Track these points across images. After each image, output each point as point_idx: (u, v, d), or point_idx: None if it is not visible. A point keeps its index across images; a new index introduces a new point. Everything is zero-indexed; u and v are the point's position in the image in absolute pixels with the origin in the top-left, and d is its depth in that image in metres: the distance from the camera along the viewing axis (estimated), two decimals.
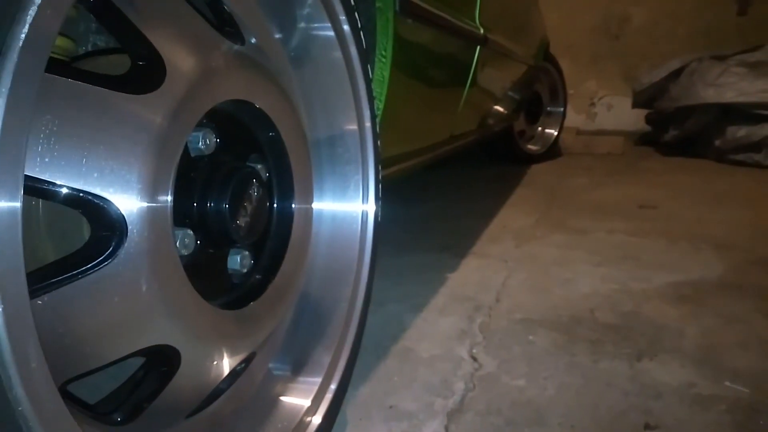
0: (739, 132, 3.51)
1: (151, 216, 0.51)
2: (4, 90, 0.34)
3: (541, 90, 3.78)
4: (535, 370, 1.10)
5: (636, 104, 4.51)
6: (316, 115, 0.88)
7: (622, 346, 1.19)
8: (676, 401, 0.99)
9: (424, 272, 1.69)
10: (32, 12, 0.36)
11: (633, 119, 4.99)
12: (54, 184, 0.45)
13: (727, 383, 1.04)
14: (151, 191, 0.51)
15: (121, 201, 0.49)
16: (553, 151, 3.94)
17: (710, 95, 3.58)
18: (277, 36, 0.79)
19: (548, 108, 3.91)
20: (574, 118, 5.04)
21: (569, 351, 1.18)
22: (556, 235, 2.07)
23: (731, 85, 3.51)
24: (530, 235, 2.08)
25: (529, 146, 3.79)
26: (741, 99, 3.45)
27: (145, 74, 0.53)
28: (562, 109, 3.96)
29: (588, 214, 2.39)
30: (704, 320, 1.32)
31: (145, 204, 0.50)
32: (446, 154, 1.88)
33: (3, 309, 0.34)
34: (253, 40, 0.70)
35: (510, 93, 2.75)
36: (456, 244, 1.96)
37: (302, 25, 0.80)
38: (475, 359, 1.15)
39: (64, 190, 0.46)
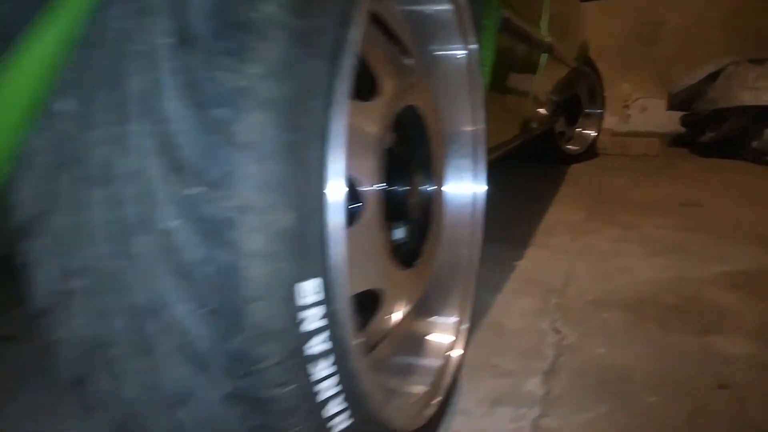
0: None
1: (373, 195, 0.67)
2: (344, 102, 0.51)
3: (580, 92, 3.91)
4: (613, 342, 1.25)
5: (671, 106, 4.62)
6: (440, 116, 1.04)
7: (688, 323, 1.34)
8: (744, 367, 1.13)
9: (492, 260, 1.83)
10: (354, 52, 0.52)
11: (666, 121, 5.08)
12: None
13: None
14: (372, 177, 0.67)
15: (359, 184, 0.66)
16: (590, 151, 4.06)
17: (748, 98, 3.68)
18: (420, 50, 0.96)
19: (586, 110, 4.04)
20: (607, 120, 5.13)
21: (641, 326, 1.33)
22: (607, 230, 2.21)
23: None
24: (583, 229, 2.22)
25: (569, 147, 3.92)
26: None
27: (366, 86, 0.70)
28: (600, 110, 4.08)
29: (634, 210, 2.52)
30: (760, 304, 1.46)
31: (372, 188, 0.67)
32: (508, 152, 2.04)
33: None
34: (412, 55, 0.87)
35: (556, 95, 2.89)
36: (515, 237, 2.11)
37: (438, 42, 0.97)
38: (557, 332, 1.31)
39: None
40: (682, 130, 4.75)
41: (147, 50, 0.43)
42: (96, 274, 0.47)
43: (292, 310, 0.47)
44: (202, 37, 0.42)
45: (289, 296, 0.46)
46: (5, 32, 0.35)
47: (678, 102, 4.48)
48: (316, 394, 0.50)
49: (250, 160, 0.43)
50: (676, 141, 4.85)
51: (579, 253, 1.91)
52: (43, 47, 0.38)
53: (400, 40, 0.83)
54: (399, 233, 0.84)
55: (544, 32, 1.82)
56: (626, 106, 5.47)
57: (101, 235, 0.46)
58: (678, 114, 4.67)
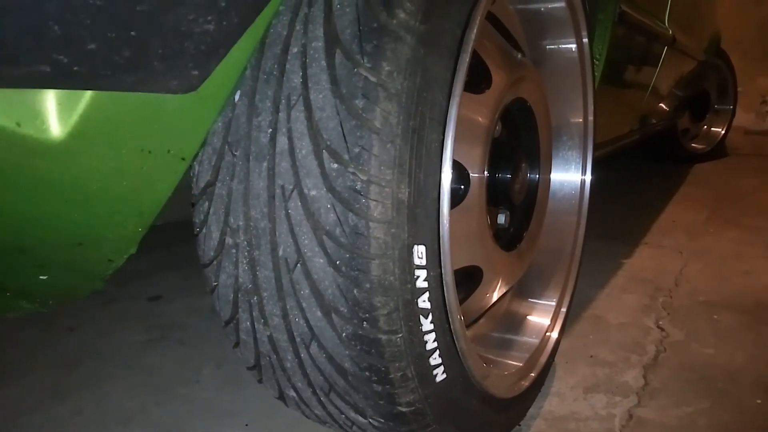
0: None
1: (478, 180, 0.74)
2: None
3: (709, 87, 3.65)
4: (722, 342, 1.22)
5: None
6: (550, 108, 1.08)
7: None
8: None
9: (599, 257, 1.82)
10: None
11: None
12: None
13: None
14: (480, 165, 0.74)
15: (467, 169, 0.73)
16: (718, 150, 3.78)
17: None
18: (531, 44, 1.00)
19: (716, 106, 3.76)
20: (741, 117, 4.72)
21: (755, 330, 1.28)
22: (730, 232, 2.09)
23: None
24: (702, 230, 2.12)
25: (693, 145, 3.68)
26: None
27: (479, 80, 0.77)
28: (731, 107, 3.79)
29: (762, 213, 2.35)
30: None
31: (477, 175, 0.74)
32: (621, 148, 1.99)
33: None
34: (523, 50, 0.92)
35: (679, 90, 2.74)
36: (625, 234, 2.07)
37: (550, 37, 1.01)
38: (662, 329, 1.29)
39: None
40: None
41: (302, 52, 0.54)
42: (251, 232, 0.59)
43: (406, 269, 0.55)
44: (346, 41, 0.52)
45: (404, 257, 0.55)
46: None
47: None
48: (422, 344, 0.59)
49: (378, 142, 0.52)
50: None
51: (695, 254, 1.83)
52: (238, 52, 0.49)
53: (512, 36, 0.89)
54: (503, 218, 0.90)
55: (667, 24, 1.76)
56: (764, 103, 4.99)
57: (258, 200, 0.57)
58: None
